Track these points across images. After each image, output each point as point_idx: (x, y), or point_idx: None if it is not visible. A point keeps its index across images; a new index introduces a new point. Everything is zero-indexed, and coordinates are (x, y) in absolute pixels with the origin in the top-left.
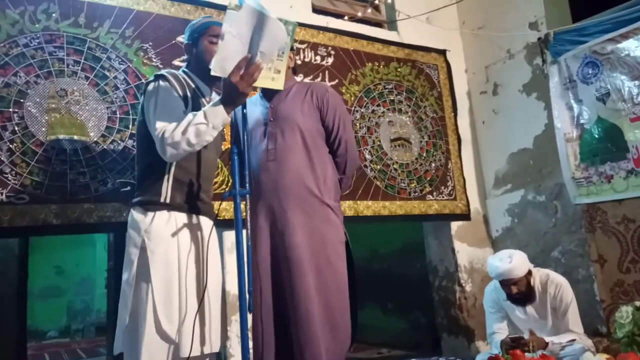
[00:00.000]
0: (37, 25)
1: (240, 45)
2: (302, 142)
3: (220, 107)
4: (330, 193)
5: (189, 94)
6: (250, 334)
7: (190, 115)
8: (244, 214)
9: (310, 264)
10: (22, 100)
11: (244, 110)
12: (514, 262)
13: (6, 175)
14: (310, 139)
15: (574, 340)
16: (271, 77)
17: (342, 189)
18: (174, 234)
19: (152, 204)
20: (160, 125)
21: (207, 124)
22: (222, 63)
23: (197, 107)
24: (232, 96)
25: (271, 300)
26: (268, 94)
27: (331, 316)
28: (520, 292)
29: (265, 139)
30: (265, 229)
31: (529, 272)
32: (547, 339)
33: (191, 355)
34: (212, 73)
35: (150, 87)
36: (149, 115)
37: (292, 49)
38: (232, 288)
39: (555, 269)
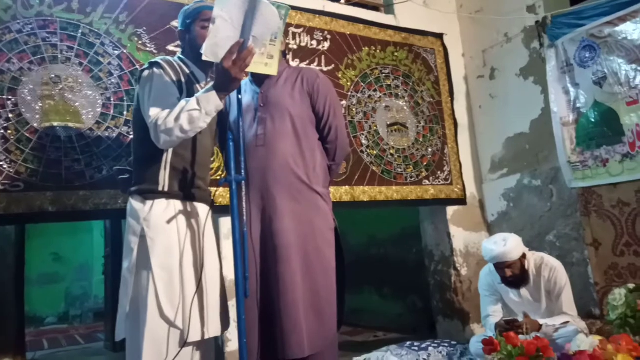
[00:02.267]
0: (30, 11)
1: (232, 29)
2: (292, 128)
3: (213, 93)
4: (319, 180)
5: (183, 80)
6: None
7: (183, 102)
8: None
9: (297, 250)
10: (16, 87)
11: (239, 96)
12: (508, 245)
13: (1, 163)
14: (300, 125)
15: (567, 322)
16: (264, 63)
17: (332, 176)
18: (173, 222)
19: (150, 193)
20: (153, 112)
21: (199, 110)
22: (214, 48)
23: (192, 93)
24: (225, 82)
25: (256, 285)
26: (258, 79)
27: (317, 302)
28: (514, 275)
29: (255, 124)
30: (255, 214)
31: (524, 256)
32: (541, 321)
33: (192, 340)
34: (204, 58)
35: (145, 74)
36: (143, 103)
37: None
38: (229, 274)
39: (550, 253)
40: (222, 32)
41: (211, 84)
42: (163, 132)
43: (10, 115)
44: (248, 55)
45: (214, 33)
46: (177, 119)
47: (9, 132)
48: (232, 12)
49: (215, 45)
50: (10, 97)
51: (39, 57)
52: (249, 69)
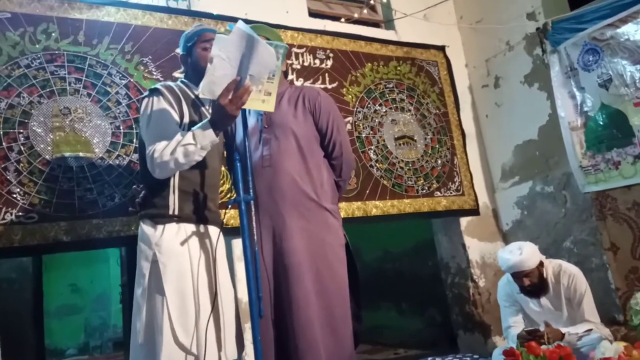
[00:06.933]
0: (37, 46)
1: (230, 68)
2: (297, 147)
3: (209, 129)
4: (328, 196)
5: (185, 105)
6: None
7: (179, 136)
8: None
9: (309, 268)
10: (26, 121)
11: (247, 114)
12: (524, 253)
13: (15, 196)
14: (305, 143)
15: (590, 330)
16: (261, 100)
17: (340, 192)
18: (185, 246)
19: (161, 217)
20: (150, 142)
21: (195, 144)
22: (211, 86)
23: (197, 116)
24: (221, 118)
25: (270, 306)
26: None
27: (332, 320)
28: (532, 284)
29: (260, 145)
30: (266, 235)
31: (541, 264)
32: (564, 330)
33: None
34: (201, 96)
35: (144, 103)
36: (142, 132)
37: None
38: (244, 295)
39: (568, 259)
40: (220, 70)
41: (207, 119)
42: (158, 165)
43: (22, 148)
44: (244, 93)
45: (211, 72)
46: (172, 152)
47: (22, 165)
48: (230, 52)
49: (213, 83)
50: (21, 131)
51: (48, 90)
52: (246, 106)
